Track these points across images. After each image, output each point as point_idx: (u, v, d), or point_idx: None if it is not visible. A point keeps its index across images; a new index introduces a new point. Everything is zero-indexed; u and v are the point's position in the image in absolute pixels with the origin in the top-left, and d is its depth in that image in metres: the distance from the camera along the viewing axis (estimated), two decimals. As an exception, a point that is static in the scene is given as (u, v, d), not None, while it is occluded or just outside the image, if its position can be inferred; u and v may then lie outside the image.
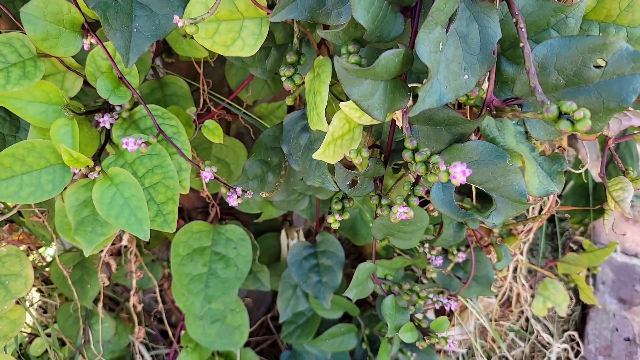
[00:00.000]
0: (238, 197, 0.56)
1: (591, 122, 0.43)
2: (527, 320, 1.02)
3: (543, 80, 0.42)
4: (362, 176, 0.56)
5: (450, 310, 0.71)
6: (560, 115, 0.38)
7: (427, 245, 0.71)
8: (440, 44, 0.41)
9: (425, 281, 0.86)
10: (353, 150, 0.51)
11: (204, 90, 0.69)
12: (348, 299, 0.94)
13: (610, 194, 0.59)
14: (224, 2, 0.49)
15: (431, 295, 0.65)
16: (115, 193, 0.52)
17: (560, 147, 0.66)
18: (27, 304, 1.02)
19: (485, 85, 0.51)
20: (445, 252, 0.75)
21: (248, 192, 0.58)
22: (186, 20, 0.44)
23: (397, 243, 0.63)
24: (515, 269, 0.96)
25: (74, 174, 0.53)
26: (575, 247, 1.27)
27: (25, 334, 1.13)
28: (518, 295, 0.99)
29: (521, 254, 0.87)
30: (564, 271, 1.03)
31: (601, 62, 0.40)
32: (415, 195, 0.50)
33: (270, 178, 0.68)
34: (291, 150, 0.63)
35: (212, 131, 0.63)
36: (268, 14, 0.49)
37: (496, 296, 0.93)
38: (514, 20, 0.42)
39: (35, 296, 1.05)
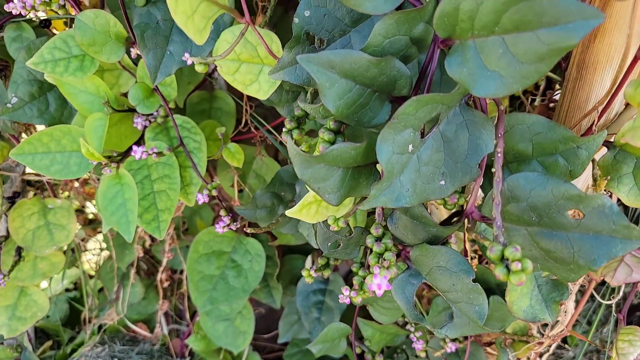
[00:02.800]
0: (225, 225, 0.58)
1: (562, 272, 0.39)
2: None
3: (515, 212, 0.38)
4: (346, 241, 0.55)
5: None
6: (503, 258, 0.34)
7: (413, 324, 0.68)
8: (410, 145, 0.39)
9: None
10: (332, 217, 0.51)
11: (246, 110, 0.72)
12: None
13: (616, 343, 0.52)
14: (247, 46, 0.51)
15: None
16: (119, 191, 0.58)
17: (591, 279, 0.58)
18: (82, 248, 1.15)
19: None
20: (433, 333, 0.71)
21: (237, 221, 0.60)
22: (194, 59, 0.47)
23: (374, 315, 0.61)
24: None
25: (93, 164, 0.59)
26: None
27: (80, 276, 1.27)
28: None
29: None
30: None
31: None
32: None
33: (280, 211, 0.69)
34: (302, 192, 0.64)
35: (233, 154, 0.66)
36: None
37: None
38: (495, 141, 0.38)
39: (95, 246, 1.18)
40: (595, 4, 0.42)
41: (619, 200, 0.48)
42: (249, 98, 0.72)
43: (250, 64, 0.52)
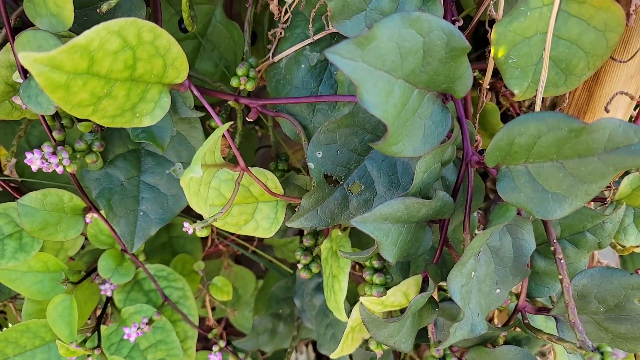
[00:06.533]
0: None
1: (631, 347, 0.40)
2: None
3: (581, 306, 0.39)
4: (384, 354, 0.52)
5: None
6: (606, 366, 0.34)
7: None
8: (473, 272, 0.37)
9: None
10: (373, 342, 0.48)
11: (212, 230, 0.66)
12: None
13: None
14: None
15: None
16: (115, 383, 0.49)
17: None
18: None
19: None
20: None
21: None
22: (197, 226, 0.41)
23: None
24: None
25: None
26: None
27: None
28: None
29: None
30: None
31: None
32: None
33: (281, 328, 0.64)
34: (304, 306, 0.60)
35: (221, 289, 0.59)
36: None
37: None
38: (552, 248, 0.38)
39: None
40: (577, 92, 0.45)
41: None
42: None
43: (243, 205, 0.47)
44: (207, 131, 0.57)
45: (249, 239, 0.71)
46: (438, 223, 0.41)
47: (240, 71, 0.44)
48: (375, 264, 0.41)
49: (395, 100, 0.30)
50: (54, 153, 0.40)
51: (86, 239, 0.62)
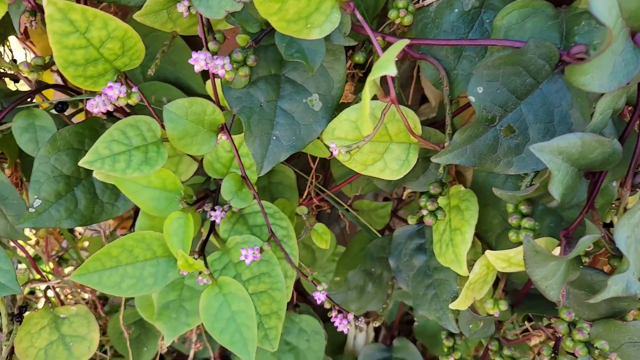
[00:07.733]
0: (349, 322, 0.51)
1: None
2: None
3: None
4: (488, 320, 0.51)
5: None
6: None
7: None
8: (636, 228, 0.36)
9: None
10: (490, 301, 0.47)
11: (311, 182, 0.66)
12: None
13: None
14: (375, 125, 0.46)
15: None
16: (223, 304, 0.49)
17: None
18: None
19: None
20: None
21: (359, 319, 0.53)
22: (342, 148, 0.41)
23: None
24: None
25: (183, 274, 0.49)
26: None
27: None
28: None
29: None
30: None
31: None
32: (557, 368, 0.44)
33: (370, 288, 0.63)
34: (400, 266, 0.59)
35: (321, 235, 0.59)
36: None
37: None
38: None
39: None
40: None
41: None
42: (316, 169, 0.65)
43: (375, 143, 0.47)
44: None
45: (342, 198, 0.71)
46: (591, 179, 0.40)
47: (401, 3, 0.43)
48: (524, 209, 0.39)
49: (613, 17, 0.29)
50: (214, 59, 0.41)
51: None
